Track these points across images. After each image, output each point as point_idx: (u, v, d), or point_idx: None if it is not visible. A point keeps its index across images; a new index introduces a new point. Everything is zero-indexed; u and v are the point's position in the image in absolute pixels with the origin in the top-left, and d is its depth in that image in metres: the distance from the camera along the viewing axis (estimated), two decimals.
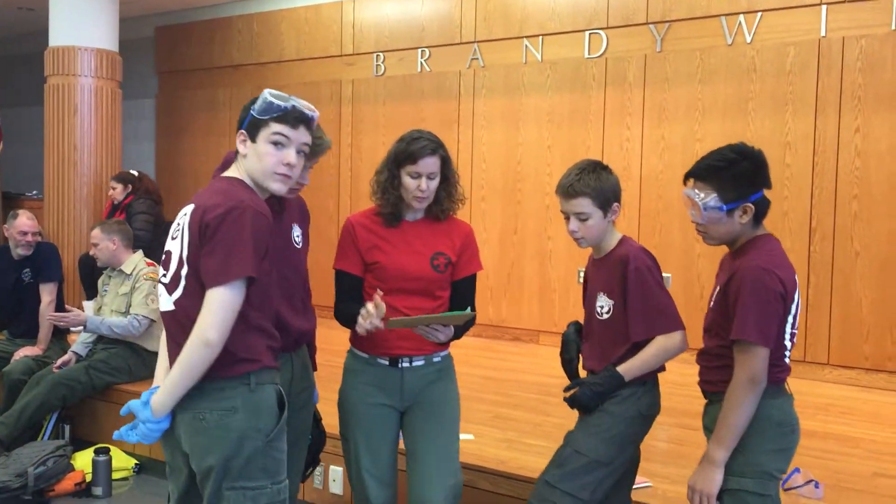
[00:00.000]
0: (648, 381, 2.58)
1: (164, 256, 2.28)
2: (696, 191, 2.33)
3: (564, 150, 6.17)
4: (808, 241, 5.30)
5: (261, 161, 2.25)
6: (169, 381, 2.12)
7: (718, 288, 2.38)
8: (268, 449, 2.18)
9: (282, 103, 2.22)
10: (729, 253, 2.44)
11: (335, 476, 3.80)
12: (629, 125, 5.95)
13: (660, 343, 2.49)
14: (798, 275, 5.50)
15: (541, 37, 6.35)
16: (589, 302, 2.67)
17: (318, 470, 3.82)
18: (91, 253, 4.96)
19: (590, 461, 2.51)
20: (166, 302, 2.22)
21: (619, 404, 2.52)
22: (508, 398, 4.43)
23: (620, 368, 2.50)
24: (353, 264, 2.69)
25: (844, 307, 5.21)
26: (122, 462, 4.49)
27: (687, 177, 2.39)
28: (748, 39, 5.51)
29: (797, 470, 3.29)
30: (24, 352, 4.96)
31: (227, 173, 2.32)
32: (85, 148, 7.03)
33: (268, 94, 2.24)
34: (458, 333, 2.65)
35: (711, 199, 2.30)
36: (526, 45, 6.42)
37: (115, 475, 4.38)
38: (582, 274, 2.83)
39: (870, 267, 5.14)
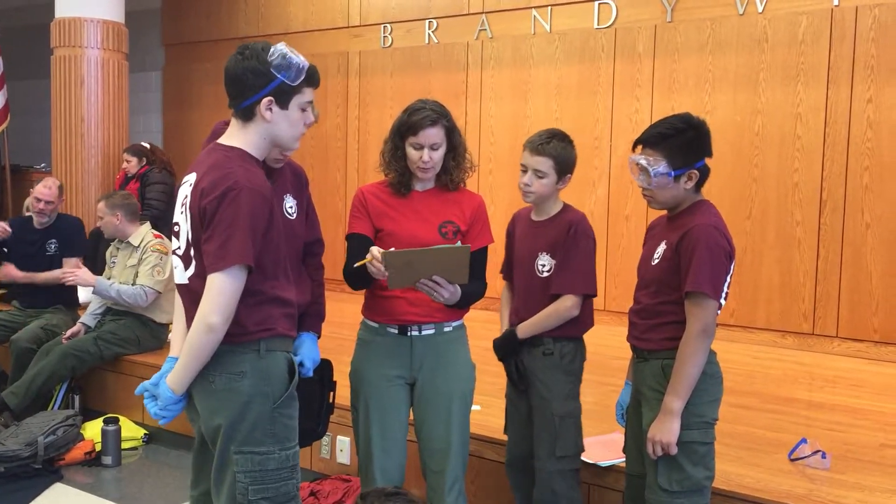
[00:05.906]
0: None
1: (174, 226, 2.27)
2: (647, 157, 2.43)
3: (573, 123, 6.12)
4: (819, 212, 5.26)
5: (293, 127, 2.25)
6: (180, 363, 2.17)
7: (664, 247, 2.46)
8: (276, 415, 2.19)
9: (304, 63, 2.21)
10: (664, 217, 2.57)
11: (342, 446, 3.82)
12: (638, 97, 5.89)
13: (555, 307, 2.71)
14: (807, 247, 5.43)
15: (549, 7, 6.27)
16: (528, 259, 2.81)
17: (326, 440, 3.84)
18: (97, 225, 4.97)
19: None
20: (182, 275, 2.24)
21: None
22: None
23: (518, 328, 2.78)
24: (363, 226, 2.68)
25: (854, 280, 5.18)
26: (131, 432, 4.52)
27: (636, 143, 2.50)
28: (759, 9, 5.42)
29: (804, 440, 3.28)
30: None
31: (227, 141, 2.25)
32: (92, 120, 7.01)
33: (293, 57, 2.18)
34: (464, 302, 2.62)
35: (661, 165, 2.40)
36: (534, 16, 6.35)
37: (125, 445, 4.41)
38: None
39: (880, 239, 5.10)
